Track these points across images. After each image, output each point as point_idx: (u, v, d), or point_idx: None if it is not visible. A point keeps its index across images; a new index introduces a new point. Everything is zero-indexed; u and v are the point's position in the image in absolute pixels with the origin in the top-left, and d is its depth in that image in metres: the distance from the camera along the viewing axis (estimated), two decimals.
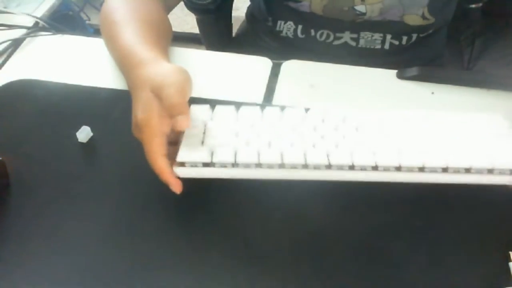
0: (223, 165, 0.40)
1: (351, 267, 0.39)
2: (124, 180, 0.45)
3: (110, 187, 0.45)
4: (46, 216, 0.43)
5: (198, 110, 0.44)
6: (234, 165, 0.40)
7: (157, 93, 0.40)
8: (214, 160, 0.39)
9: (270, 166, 0.40)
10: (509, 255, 0.40)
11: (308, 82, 0.55)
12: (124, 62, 0.47)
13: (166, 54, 0.49)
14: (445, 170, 0.40)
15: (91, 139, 0.48)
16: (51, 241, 0.41)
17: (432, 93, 0.53)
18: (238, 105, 0.45)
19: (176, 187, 0.40)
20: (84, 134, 0.47)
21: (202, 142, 0.41)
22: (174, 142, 0.42)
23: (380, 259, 0.40)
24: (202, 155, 0.39)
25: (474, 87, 0.53)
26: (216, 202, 0.43)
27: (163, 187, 0.40)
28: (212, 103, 0.45)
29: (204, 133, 0.42)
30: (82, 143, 0.48)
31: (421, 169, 0.40)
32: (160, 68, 0.42)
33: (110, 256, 0.40)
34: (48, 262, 0.40)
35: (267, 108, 0.45)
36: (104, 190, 0.44)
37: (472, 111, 0.48)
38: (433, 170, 0.40)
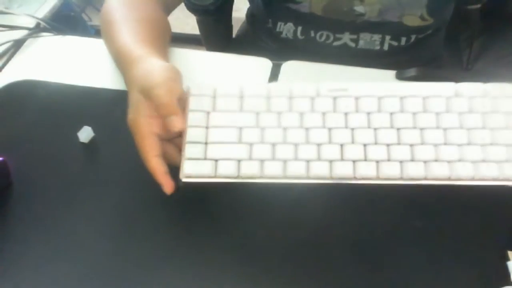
0: (227, 177, 0.40)
1: (351, 267, 0.40)
2: (126, 180, 0.45)
3: (111, 187, 0.45)
4: (48, 216, 0.43)
5: (200, 98, 0.42)
6: (238, 177, 0.40)
7: (146, 95, 0.40)
8: (218, 173, 0.40)
9: (273, 177, 0.40)
10: (507, 254, 0.40)
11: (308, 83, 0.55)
12: (120, 62, 0.48)
13: (162, 52, 0.49)
14: (447, 179, 0.40)
15: (92, 139, 0.48)
16: (52, 241, 0.41)
17: None
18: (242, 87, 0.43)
19: (167, 188, 0.40)
20: (85, 134, 0.48)
21: (206, 144, 0.41)
22: (173, 137, 0.42)
23: (379, 259, 0.40)
24: (206, 169, 0.40)
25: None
26: (218, 202, 0.44)
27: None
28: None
29: (206, 127, 0.41)
30: (83, 143, 0.48)
31: (424, 179, 0.40)
32: (148, 67, 0.42)
33: (111, 256, 0.40)
34: (49, 262, 0.40)
35: (274, 89, 0.43)
36: (105, 190, 0.45)
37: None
38: (435, 179, 0.40)
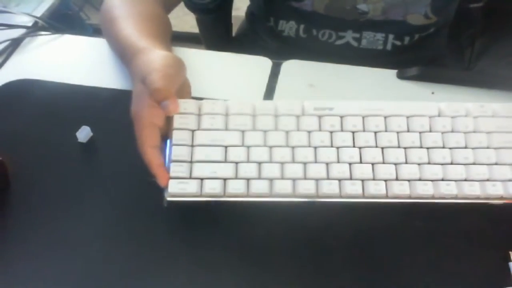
0: (213, 196, 0.40)
1: (352, 270, 0.39)
2: (124, 180, 0.45)
3: (110, 187, 0.45)
4: (46, 216, 0.43)
5: (185, 116, 0.42)
6: (224, 196, 0.40)
7: (143, 82, 0.40)
8: (203, 193, 0.39)
9: (259, 196, 0.40)
10: (509, 255, 0.40)
11: (308, 82, 0.54)
12: (124, 55, 0.48)
13: (165, 45, 0.49)
14: (431, 197, 0.41)
15: (91, 139, 0.48)
16: (51, 241, 0.41)
17: (432, 93, 0.53)
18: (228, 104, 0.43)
19: (162, 181, 0.39)
20: (84, 134, 0.47)
21: (191, 162, 0.40)
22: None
23: (380, 259, 0.40)
24: (191, 188, 0.39)
25: (474, 87, 0.53)
26: (218, 203, 0.43)
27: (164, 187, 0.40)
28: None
29: (191, 146, 0.41)
30: (82, 143, 0.48)
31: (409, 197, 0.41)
32: (151, 56, 0.42)
33: (110, 256, 0.40)
34: (48, 262, 0.40)
35: (259, 107, 0.42)
36: (104, 190, 0.44)
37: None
38: (419, 198, 0.41)
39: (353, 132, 0.42)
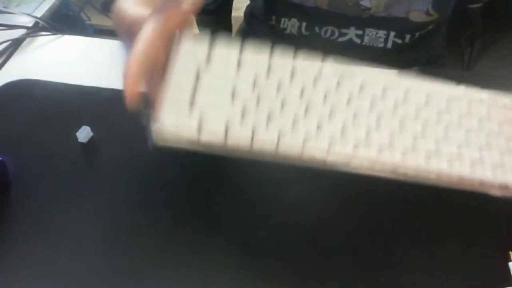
0: (211, 143, 0.34)
1: (352, 268, 0.39)
2: (124, 180, 0.45)
3: (110, 187, 0.45)
4: (46, 216, 0.43)
5: (193, 49, 0.36)
6: (225, 143, 0.34)
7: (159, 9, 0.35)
8: (201, 138, 0.33)
9: (263, 150, 0.35)
10: (509, 255, 0.40)
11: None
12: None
13: None
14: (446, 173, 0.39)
15: (91, 139, 0.48)
16: (51, 241, 0.41)
17: None
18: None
19: (130, 102, 0.33)
20: (84, 134, 0.47)
21: (191, 104, 0.34)
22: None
23: (380, 258, 0.40)
24: (188, 131, 0.33)
25: (474, 87, 0.53)
26: (217, 201, 0.43)
27: (164, 187, 0.40)
28: None
29: (195, 83, 0.34)
30: (82, 143, 0.48)
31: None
32: None
33: (110, 256, 0.40)
34: (48, 262, 0.40)
35: (277, 61, 0.38)
36: (104, 190, 0.44)
37: None
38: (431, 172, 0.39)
39: (371, 99, 0.39)
